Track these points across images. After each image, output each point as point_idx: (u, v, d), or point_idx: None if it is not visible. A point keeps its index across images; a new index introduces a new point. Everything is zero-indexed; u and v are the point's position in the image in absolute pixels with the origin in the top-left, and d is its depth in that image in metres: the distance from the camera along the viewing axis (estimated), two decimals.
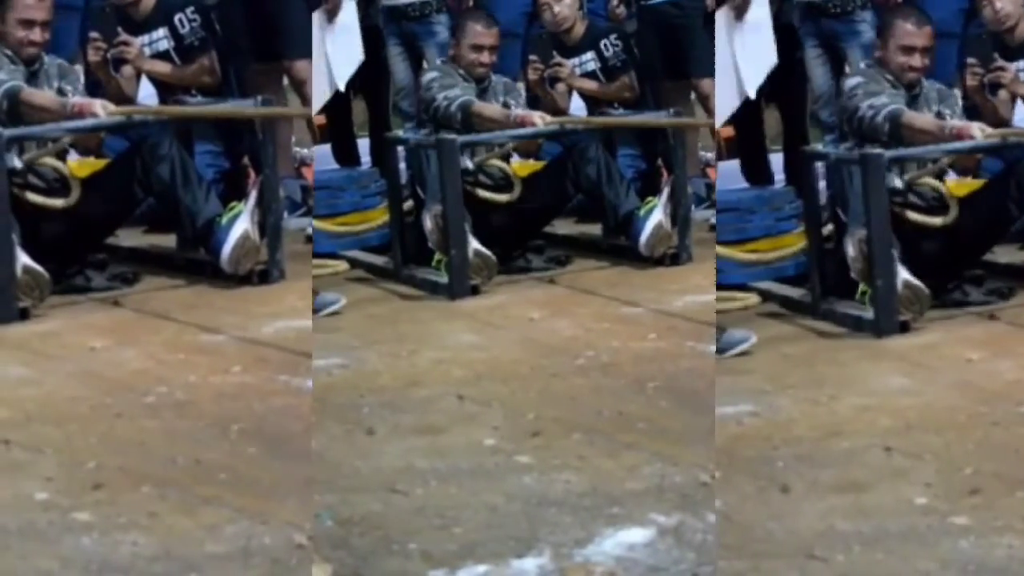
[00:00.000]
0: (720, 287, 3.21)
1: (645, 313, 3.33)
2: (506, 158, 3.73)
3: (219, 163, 3.53)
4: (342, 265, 3.76)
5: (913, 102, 3.35)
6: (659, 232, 3.75)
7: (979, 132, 3.26)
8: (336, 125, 4.27)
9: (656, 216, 3.74)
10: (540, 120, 3.74)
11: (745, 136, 3.83)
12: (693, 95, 4.37)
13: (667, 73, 4.17)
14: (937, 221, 3.23)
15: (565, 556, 2.08)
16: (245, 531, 2.10)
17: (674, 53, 4.17)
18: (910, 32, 3.24)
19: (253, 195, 3.36)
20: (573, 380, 2.87)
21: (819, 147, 3.38)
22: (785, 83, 3.78)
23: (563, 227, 3.99)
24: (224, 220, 3.32)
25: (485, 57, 3.74)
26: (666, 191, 3.82)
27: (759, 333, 3.14)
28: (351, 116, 4.28)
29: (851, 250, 3.15)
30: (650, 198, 3.82)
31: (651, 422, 2.61)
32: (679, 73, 4.24)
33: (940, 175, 3.31)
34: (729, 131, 3.63)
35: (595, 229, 3.99)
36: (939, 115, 3.34)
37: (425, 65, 4.03)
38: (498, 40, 3.77)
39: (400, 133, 3.88)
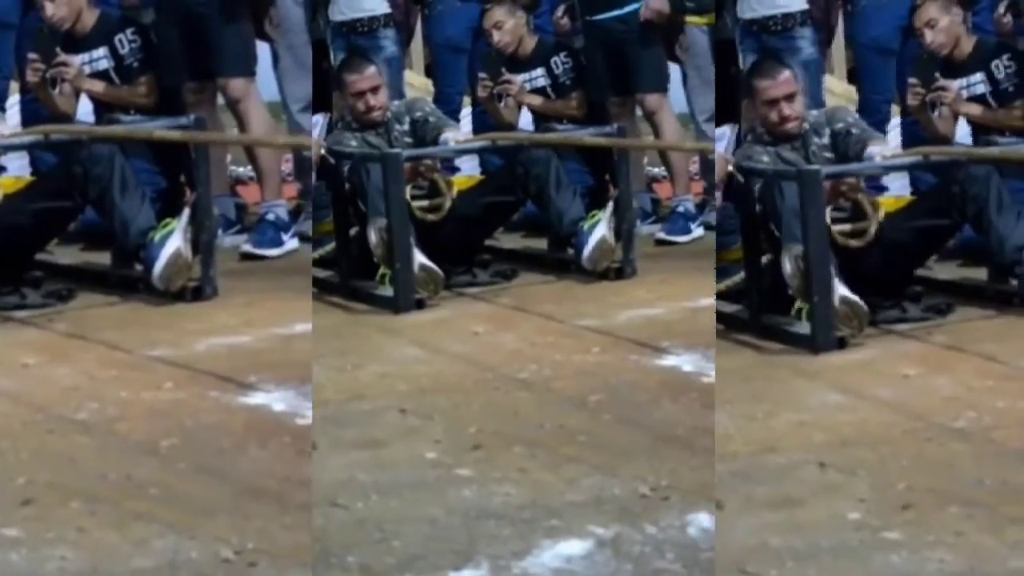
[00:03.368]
0: None
1: (589, 327, 3.32)
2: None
3: (155, 181, 3.53)
4: None
5: (796, 151, 3.37)
6: (602, 246, 3.76)
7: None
8: None
9: (600, 230, 3.76)
10: None
11: None
12: (639, 111, 4.41)
13: (613, 88, 4.19)
14: (856, 242, 3.25)
15: (503, 568, 2.08)
16: (172, 546, 2.09)
17: (620, 68, 4.21)
18: (766, 87, 3.28)
19: (186, 213, 3.37)
20: (516, 394, 2.88)
21: (753, 164, 3.40)
22: (723, 98, 3.82)
23: (509, 241, 4.01)
24: (157, 237, 3.33)
25: (371, 100, 3.72)
26: (611, 205, 3.84)
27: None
28: None
29: (788, 266, 3.18)
30: (595, 211, 3.84)
31: (592, 435, 2.61)
32: (625, 88, 4.28)
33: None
34: None
35: (541, 243, 4.01)
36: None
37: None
38: (378, 79, 3.75)
39: (344, 147, 3.86)
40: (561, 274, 3.80)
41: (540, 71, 4.05)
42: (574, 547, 2.14)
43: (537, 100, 4.05)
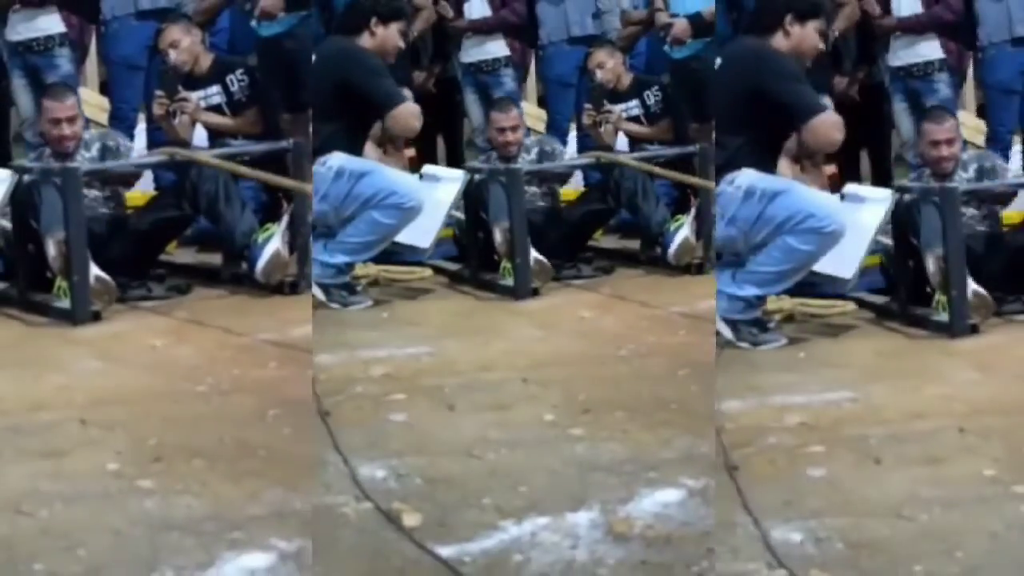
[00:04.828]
0: (825, 296, 3.57)
1: (676, 313, 3.63)
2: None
3: (259, 196, 3.85)
4: (427, 272, 4.01)
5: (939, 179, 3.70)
6: (685, 245, 4.18)
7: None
8: (422, 158, 4.47)
9: (683, 232, 4.18)
10: None
11: (846, 174, 4.18)
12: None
13: (693, 115, 4.46)
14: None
15: (611, 512, 2.28)
16: (280, 497, 2.25)
17: (699, 98, 4.42)
18: (933, 129, 3.68)
19: (284, 219, 3.68)
20: (617, 367, 3.14)
21: (905, 182, 3.78)
22: (875, 131, 4.35)
23: (608, 242, 4.42)
24: (260, 239, 3.67)
25: (509, 136, 4.07)
26: (692, 211, 4.18)
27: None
28: (436, 150, 4.57)
29: (931, 266, 3.55)
30: (679, 216, 4.21)
31: (681, 403, 2.83)
32: (703, 115, 4.47)
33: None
34: (832, 169, 3.98)
35: (634, 244, 4.36)
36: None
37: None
38: (519, 121, 4.14)
39: (476, 163, 4.13)
40: (651, 270, 4.20)
41: (635, 102, 4.43)
42: (670, 495, 2.31)
43: (635, 127, 4.45)
